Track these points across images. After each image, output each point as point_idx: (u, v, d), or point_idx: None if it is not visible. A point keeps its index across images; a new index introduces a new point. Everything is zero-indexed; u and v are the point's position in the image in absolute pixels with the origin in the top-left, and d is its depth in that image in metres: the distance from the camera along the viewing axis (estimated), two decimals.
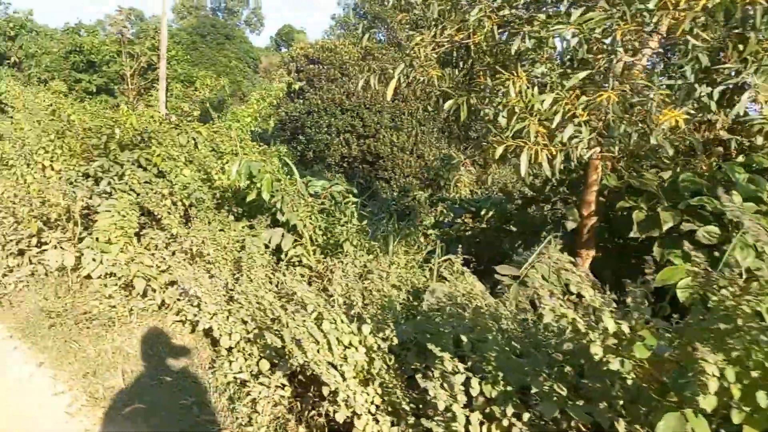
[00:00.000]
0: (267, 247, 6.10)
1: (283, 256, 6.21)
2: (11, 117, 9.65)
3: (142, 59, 30.68)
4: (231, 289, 4.63)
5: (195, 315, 4.11)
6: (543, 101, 3.24)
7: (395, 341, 3.18)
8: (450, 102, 4.28)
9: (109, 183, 6.97)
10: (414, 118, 28.02)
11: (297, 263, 6.19)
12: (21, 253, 6.26)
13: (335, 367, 3.15)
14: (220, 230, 6.50)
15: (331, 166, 28.57)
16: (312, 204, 6.36)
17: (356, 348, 3.23)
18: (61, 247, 5.75)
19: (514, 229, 8.43)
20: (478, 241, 9.04)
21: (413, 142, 27.31)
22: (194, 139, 7.79)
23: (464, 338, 2.76)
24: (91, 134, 7.41)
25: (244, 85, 51.19)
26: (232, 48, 67.20)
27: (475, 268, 6.85)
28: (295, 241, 6.30)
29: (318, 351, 3.11)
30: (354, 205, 5.98)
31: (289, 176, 6.85)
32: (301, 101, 28.89)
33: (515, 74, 3.46)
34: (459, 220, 11.86)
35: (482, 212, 10.40)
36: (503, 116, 3.65)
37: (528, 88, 3.45)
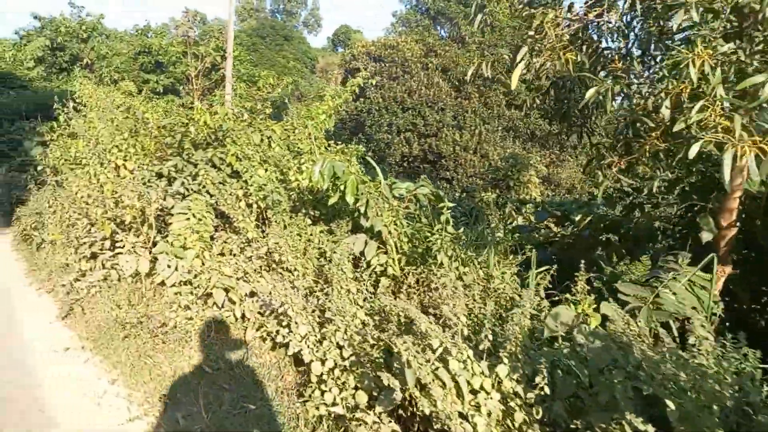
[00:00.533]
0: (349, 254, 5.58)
1: (363, 264, 5.69)
2: (85, 115, 9.56)
3: (206, 59, 31.26)
4: (321, 306, 4.12)
5: (284, 337, 3.60)
6: (762, 83, 2.51)
7: (546, 390, 2.54)
8: (592, 91, 3.58)
9: (183, 183, 6.66)
10: (477, 116, 27.14)
11: (381, 273, 5.66)
12: (94, 256, 5.99)
13: (465, 418, 2.54)
14: (297, 235, 6.05)
15: (391, 165, 28.06)
16: (397, 208, 5.79)
17: (489, 393, 2.61)
18: (136, 252, 5.41)
19: (610, 237, 7.61)
20: (567, 250, 8.25)
21: (477, 141, 26.44)
22: (269, 138, 7.37)
23: (671, 404, 2.09)
24: (165, 132, 7.11)
25: (301, 85, 51.56)
26: (291, 49, 68.26)
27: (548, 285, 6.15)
28: (379, 248, 5.76)
29: (445, 396, 2.51)
30: (449, 211, 5.37)
31: (371, 178, 6.31)
32: (362, 99, 28.51)
33: (696, 53, 2.75)
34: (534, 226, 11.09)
35: (569, 217, 9.64)
36: (666, 106, 2.95)
37: (711, 68, 2.73)
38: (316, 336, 3.61)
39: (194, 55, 32.59)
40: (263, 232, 6.35)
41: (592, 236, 7.93)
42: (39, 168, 10.21)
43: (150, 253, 5.64)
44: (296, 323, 3.60)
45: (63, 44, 27.65)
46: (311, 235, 6.23)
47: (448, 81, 27.68)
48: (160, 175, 6.79)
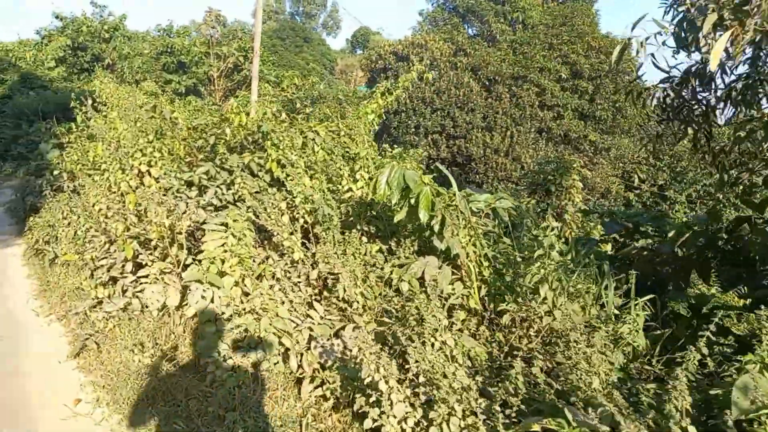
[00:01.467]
0: (421, 283, 4.59)
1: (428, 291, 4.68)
2: (105, 116, 8.66)
3: (229, 60, 30.50)
4: (401, 361, 3.11)
5: (375, 420, 2.61)
6: None
7: None
8: None
9: (216, 193, 5.73)
10: (508, 117, 25.97)
11: (457, 307, 4.66)
12: (113, 280, 5.06)
13: None
14: (351, 255, 5.09)
15: None
16: (476, 226, 4.77)
17: None
18: (163, 281, 4.46)
19: (709, 256, 6.53)
20: (652, 268, 7.16)
21: (508, 144, 25.27)
22: (312, 141, 6.40)
23: None
24: (196, 135, 6.17)
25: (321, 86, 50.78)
26: (310, 50, 68.02)
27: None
28: (453, 274, 4.75)
29: None
30: (552, 232, 4.32)
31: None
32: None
33: None
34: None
35: (639, 229, 8.60)
36: None
37: None
38: (416, 416, 2.60)
39: (216, 55, 31.94)
40: (309, 250, 5.39)
41: (674, 254, 6.85)
42: (55, 173, 9.36)
43: (180, 278, 4.69)
44: (390, 401, 2.59)
45: (84, 44, 27.08)
46: (367, 255, 5.27)
47: (477, 81, 26.56)
48: (190, 184, 5.88)
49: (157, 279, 4.45)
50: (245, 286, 4.51)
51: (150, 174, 6.19)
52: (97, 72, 24.84)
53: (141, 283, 4.79)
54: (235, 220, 4.88)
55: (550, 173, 17.75)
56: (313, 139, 6.43)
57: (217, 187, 5.80)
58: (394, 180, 4.41)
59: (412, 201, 4.49)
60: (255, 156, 5.94)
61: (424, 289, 4.55)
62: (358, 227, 5.43)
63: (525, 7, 28.29)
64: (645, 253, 7.01)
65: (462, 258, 4.61)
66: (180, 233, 4.73)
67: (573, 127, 25.89)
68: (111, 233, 5.32)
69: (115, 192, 6.17)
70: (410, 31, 41.02)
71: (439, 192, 4.52)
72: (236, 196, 5.65)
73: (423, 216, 4.35)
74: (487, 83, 26.45)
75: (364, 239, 5.38)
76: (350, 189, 5.60)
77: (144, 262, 4.84)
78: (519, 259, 4.50)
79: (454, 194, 4.87)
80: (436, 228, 4.53)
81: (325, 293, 4.94)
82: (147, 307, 4.54)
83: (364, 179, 5.65)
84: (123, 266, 4.98)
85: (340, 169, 5.65)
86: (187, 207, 5.20)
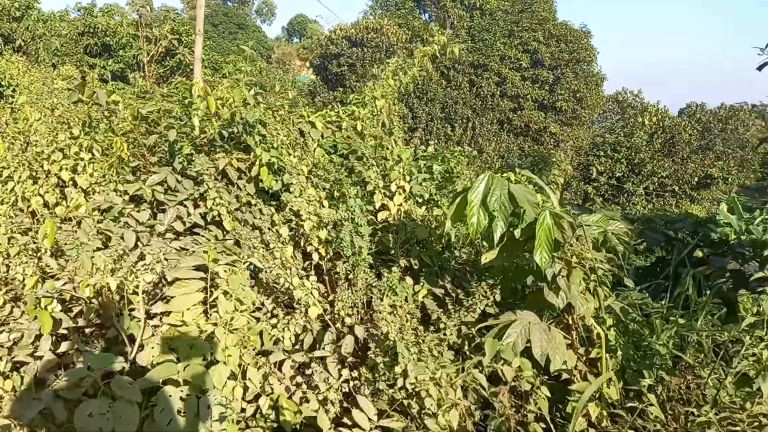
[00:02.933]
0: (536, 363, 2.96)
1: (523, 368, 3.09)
2: (11, 103, 6.46)
3: (161, 43, 27.55)
4: None
5: None
6: None
7: None
8: None
9: (179, 213, 3.88)
10: (468, 107, 24.72)
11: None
12: (15, 367, 3.10)
13: None
14: (405, 311, 3.41)
15: None
16: (599, 267, 3.18)
17: None
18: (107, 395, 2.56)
19: None
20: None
21: (470, 135, 24.04)
22: (309, 135, 4.62)
23: None
24: (147, 126, 4.24)
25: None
26: (245, 38, 64.94)
27: None
28: (565, 338, 3.14)
29: None
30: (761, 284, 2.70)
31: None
32: (341, 90, 25.58)
33: None
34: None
35: (678, 238, 7.38)
36: None
37: None
38: None
39: (147, 38, 28.87)
40: (325, 298, 3.67)
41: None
42: None
43: (135, 368, 2.81)
44: None
45: None
46: (411, 303, 3.61)
47: (436, 69, 25.10)
48: (137, 200, 3.97)
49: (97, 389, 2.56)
50: (248, 380, 2.72)
51: (76, 185, 4.21)
52: (5, 54, 21.61)
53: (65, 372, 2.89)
54: (219, 262, 3.06)
55: (528, 167, 16.60)
56: (309, 133, 4.65)
57: (180, 204, 3.94)
58: (493, 200, 2.73)
59: (517, 233, 2.84)
60: (233, 157, 4.11)
61: (539, 374, 2.94)
62: (401, 263, 3.73)
63: None
64: (727, 273, 5.67)
65: (586, 318, 3.01)
66: (135, 293, 2.85)
67: (533, 118, 25.00)
68: (16, 285, 3.35)
69: (23, 211, 4.18)
70: (359, 16, 39.06)
71: (560, 216, 2.87)
72: (210, 217, 3.81)
73: (541, 258, 2.70)
74: (445, 71, 25.05)
75: (409, 280, 3.69)
76: (384, 206, 3.87)
77: (67, 335, 2.95)
78: (680, 320, 2.95)
79: (560, 216, 3.24)
80: (548, 273, 2.91)
81: (364, 372, 3.22)
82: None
83: (404, 193, 3.94)
84: (34, 346, 3.03)
85: (376, 178, 3.90)
86: (138, 241, 3.33)
